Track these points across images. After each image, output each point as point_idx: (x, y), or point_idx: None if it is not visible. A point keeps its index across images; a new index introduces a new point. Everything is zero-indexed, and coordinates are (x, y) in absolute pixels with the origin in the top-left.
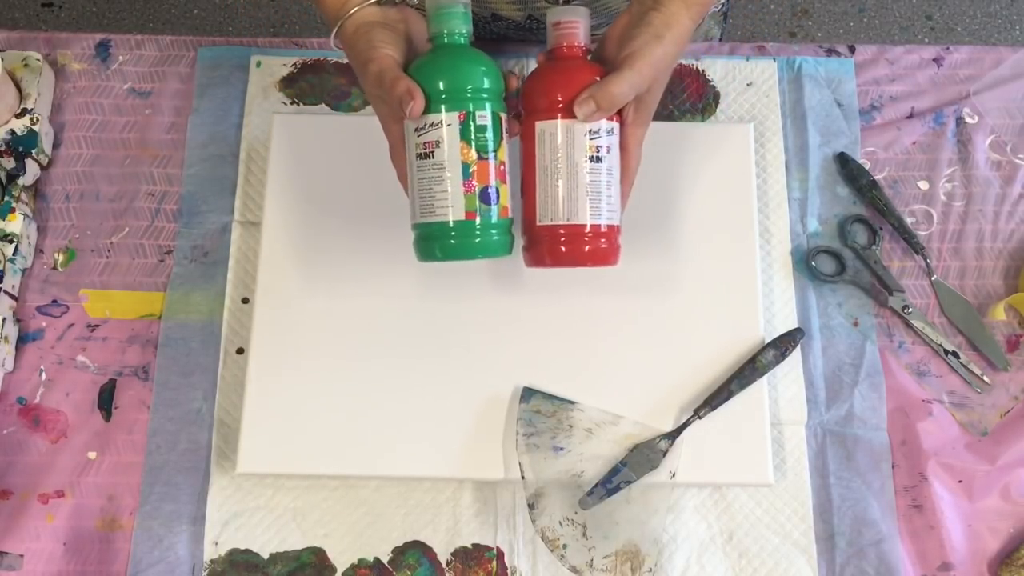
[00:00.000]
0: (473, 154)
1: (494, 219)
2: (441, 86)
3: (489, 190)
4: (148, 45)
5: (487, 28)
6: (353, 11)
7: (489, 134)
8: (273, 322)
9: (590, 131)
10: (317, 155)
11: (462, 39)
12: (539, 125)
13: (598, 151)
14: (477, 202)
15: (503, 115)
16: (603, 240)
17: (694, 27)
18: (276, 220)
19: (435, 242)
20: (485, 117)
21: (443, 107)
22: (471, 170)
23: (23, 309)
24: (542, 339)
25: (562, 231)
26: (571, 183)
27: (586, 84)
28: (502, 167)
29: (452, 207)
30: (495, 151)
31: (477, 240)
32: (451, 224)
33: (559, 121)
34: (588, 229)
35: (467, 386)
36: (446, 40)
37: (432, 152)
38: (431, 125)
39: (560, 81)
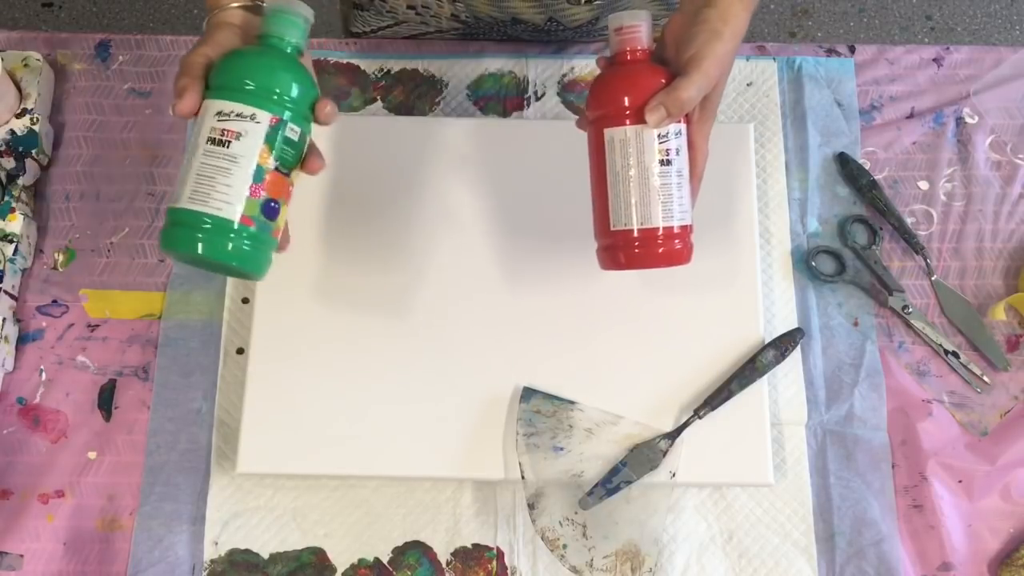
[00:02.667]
0: (272, 162)
1: (267, 235)
2: (265, 81)
3: (274, 205)
4: (148, 45)
5: (505, 31)
6: (225, 6)
7: (293, 151)
8: (273, 322)
9: (659, 135)
10: None
11: (289, 48)
12: (608, 132)
13: (668, 154)
14: (259, 211)
15: (308, 141)
16: (676, 241)
17: (749, 18)
18: None
19: (196, 234)
20: (296, 132)
21: (258, 103)
22: (264, 176)
23: (23, 309)
24: (542, 339)
25: (636, 235)
26: (643, 188)
27: (652, 88)
28: (290, 190)
29: (231, 204)
30: (291, 171)
31: (245, 249)
32: (225, 221)
33: (628, 127)
34: (661, 232)
35: (467, 386)
36: (273, 43)
37: (229, 142)
38: (238, 115)
39: (626, 87)
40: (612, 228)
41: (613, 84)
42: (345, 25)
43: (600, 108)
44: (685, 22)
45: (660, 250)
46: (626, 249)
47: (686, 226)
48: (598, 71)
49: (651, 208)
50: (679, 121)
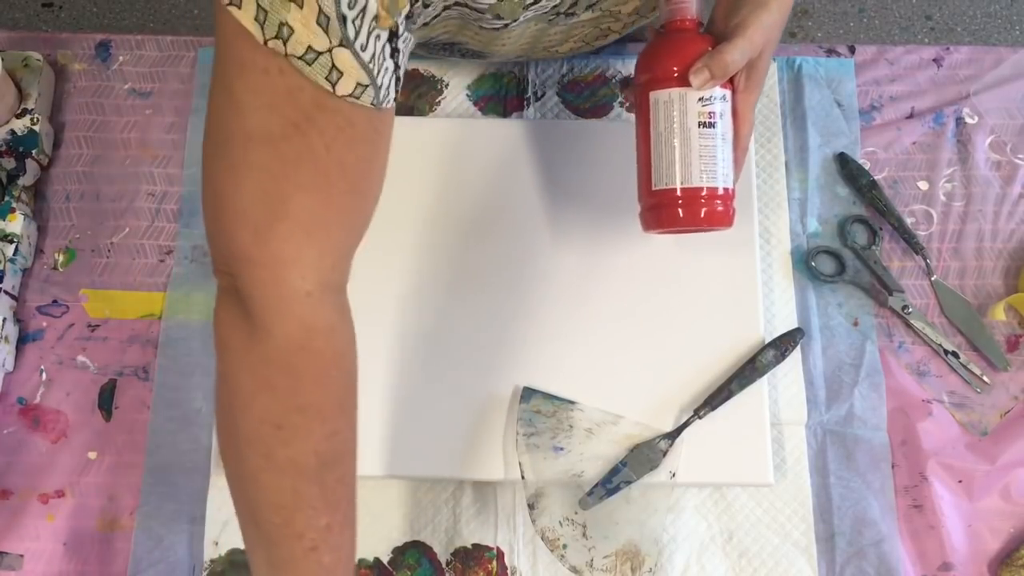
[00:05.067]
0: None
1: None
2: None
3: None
4: (148, 45)
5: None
6: None
7: None
8: None
9: (702, 98)
10: None
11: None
12: (653, 95)
13: (711, 117)
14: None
15: None
16: (718, 202)
17: None
18: None
19: (702, 207)
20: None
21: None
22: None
23: (23, 309)
24: (542, 339)
25: (679, 194)
26: (685, 148)
27: (697, 54)
28: None
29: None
30: None
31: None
32: (726, 190)
33: (673, 89)
34: (704, 192)
35: (467, 386)
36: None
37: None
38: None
39: (673, 52)
40: (654, 188)
41: (660, 50)
42: None
43: (647, 72)
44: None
45: (702, 211)
46: (668, 208)
47: (729, 189)
48: (599, 71)
49: (693, 167)
50: (724, 87)
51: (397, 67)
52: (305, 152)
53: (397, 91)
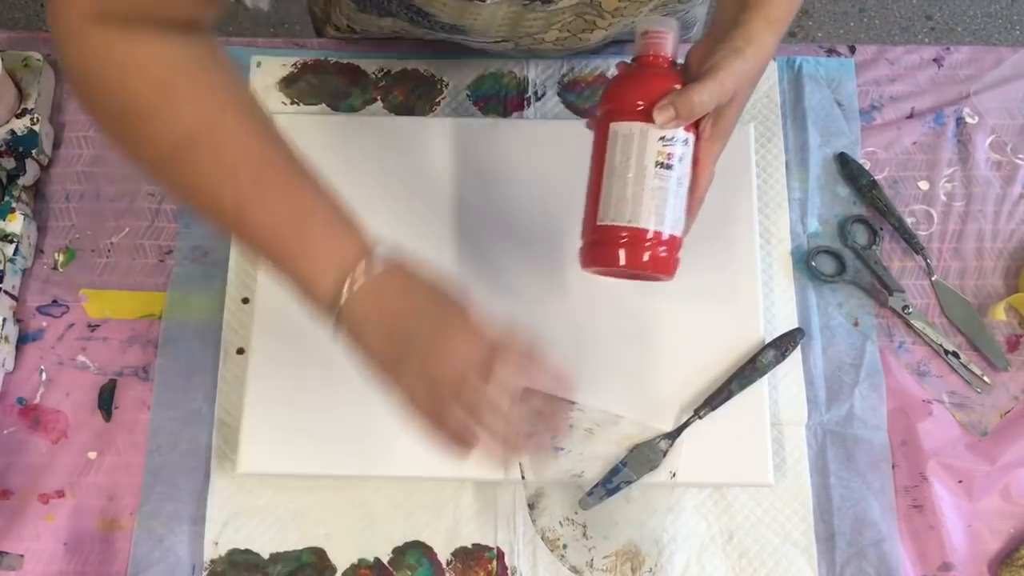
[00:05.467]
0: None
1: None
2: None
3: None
4: None
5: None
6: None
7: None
8: (273, 322)
9: (663, 137)
10: (317, 155)
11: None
12: (614, 126)
13: (670, 158)
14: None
15: None
16: (663, 248)
17: (776, 44)
18: None
19: (651, 251)
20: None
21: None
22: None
23: (23, 309)
24: (542, 339)
25: (623, 233)
26: (638, 186)
27: (665, 90)
28: None
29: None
30: None
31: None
32: (673, 238)
33: (635, 123)
34: (651, 235)
35: None
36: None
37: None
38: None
39: (641, 85)
40: (599, 222)
41: (628, 81)
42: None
43: (610, 102)
44: (711, 42)
45: (645, 255)
46: (610, 246)
47: (676, 237)
48: (599, 71)
49: (643, 207)
50: (688, 131)
51: None
52: None
53: None
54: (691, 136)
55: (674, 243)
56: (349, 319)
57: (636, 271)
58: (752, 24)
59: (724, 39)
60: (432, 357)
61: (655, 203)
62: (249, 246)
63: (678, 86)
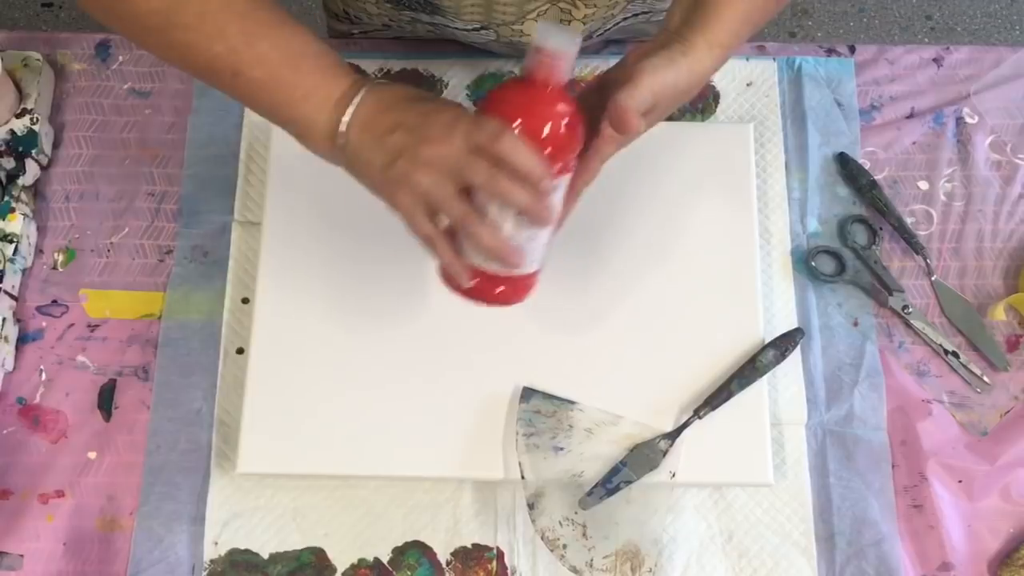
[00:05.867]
0: None
1: None
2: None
3: None
4: None
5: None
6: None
7: None
8: (273, 322)
9: None
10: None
11: None
12: None
13: None
14: None
15: None
16: (519, 283)
17: (714, 70)
18: (276, 220)
19: (505, 285)
20: None
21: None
22: None
23: (23, 309)
24: (542, 339)
25: (478, 272)
26: (499, 222)
27: (552, 118)
28: None
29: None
30: None
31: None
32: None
33: None
34: (502, 275)
35: (467, 386)
36: None
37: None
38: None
39: (524, 107)
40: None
41: (511, 100)
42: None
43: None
44: (651, 49)
45: (498, 289)
46: (457, 280)
47: (533, 273)
48: (599, 71)
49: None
50: (561, 174)
51: None
52: None
53: None
54: (567, 178)
55: (531, 277)
56: (348, 148)
57: (487, 303)
58: (693, 41)
59: (663, 47)
60: (422, 145)
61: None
62: (246, 98)
63: (569, 111)
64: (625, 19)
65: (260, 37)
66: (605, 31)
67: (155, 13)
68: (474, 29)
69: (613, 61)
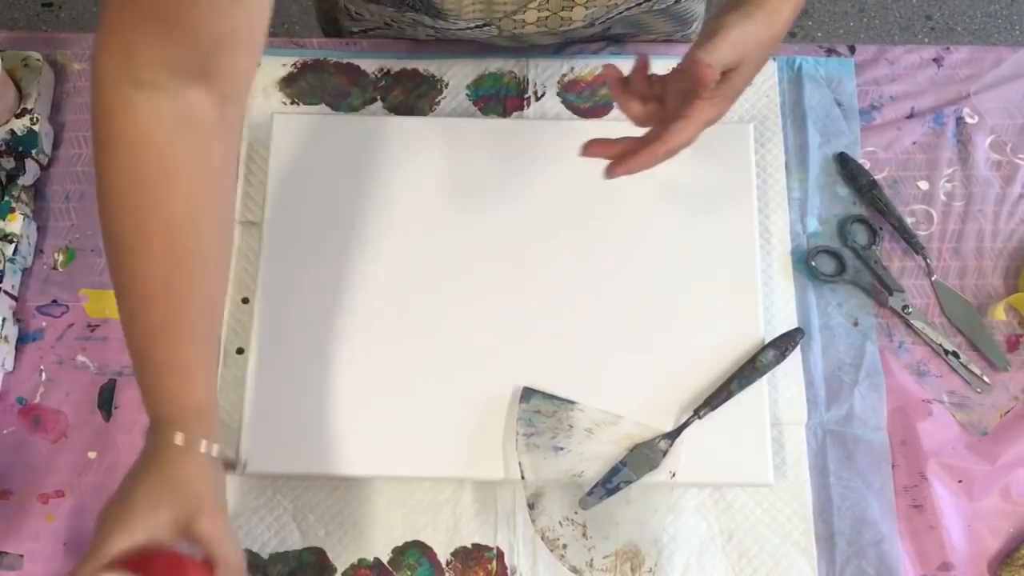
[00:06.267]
0: None
1: None
2: None
3: None
4: None
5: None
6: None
7: None
8: (273, 322)
9: None
10: (317, 155)
11: None
12: None
13: None
14: None
15: None
16: None
17: (790, 20)
18: (276, 220)
19: None
20: None
21: None
22: None
23: (23, 309)
24: (542, 339)
25: None
26: None
27: None
28: None
29: None
30: None
31: None
32: None
33: None
34: None
35: (467, 386)
36: None
37: None
38: None
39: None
40: None
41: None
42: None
43: None
44: (723, 9)
45: None
46: None
47: None
48: (599, 71)
49: None
50: None
51: None
52: None
53: None
54: None
55: None
56: (149, 442)
57: None
58: None
59: (735, 7)
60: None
61: None
62: (128, 337)
63: None
64: (628, 8)
65: (177, 314)
66: (608, 19)
67: (127, 225)
68: (476, 27)
69: (613, 61)
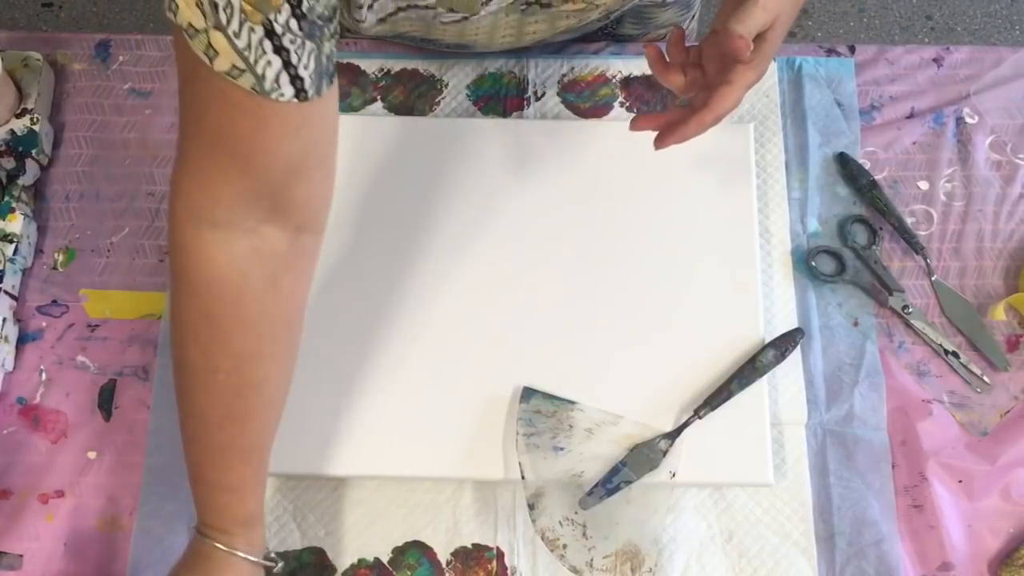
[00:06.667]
0: None
1: None
2: None
3: None
4: (148, 45)
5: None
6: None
7: None
8: None
9: None
10: None
11: None
12: None
13: None
14: None
15: None
16: None
17: None
18: None
19: None
20: None
21: None
22: None
23: (23, 309)
24: (542, 339)
25: None
26: None
27: None
28: None
29: None
30: None
31: None
32: None
33: None
34: None
35: (467, 386)
36: None
37: None
38: None
39: None
40: None
41: None
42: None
43: None
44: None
45: None
46: None
47: None
48: (599, 71)
49: None
50: None
51: (288, 64)
52: (190, 105)
53: (302, 87)
54: None
55: None
56: (195, 543)
57: None
58: None
59: None
60: None
61: None
62: (186, 454)
63: None
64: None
65: (235, 439)
66: (622, 9)
67: (200, 363)
68: (502, 50)
69: (613, 61)
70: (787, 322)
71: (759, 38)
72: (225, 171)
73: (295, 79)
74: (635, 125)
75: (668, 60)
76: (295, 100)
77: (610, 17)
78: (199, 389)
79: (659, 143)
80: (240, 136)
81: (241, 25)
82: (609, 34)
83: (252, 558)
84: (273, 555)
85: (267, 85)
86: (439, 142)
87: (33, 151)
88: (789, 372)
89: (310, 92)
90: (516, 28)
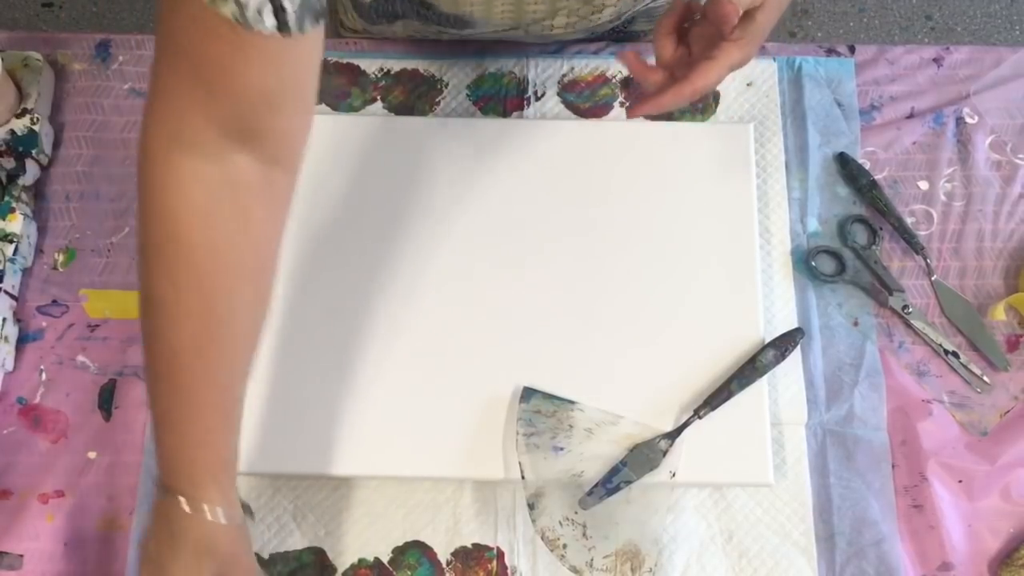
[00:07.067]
0: None
1: None
2: None
3: None
4: (148, 45)
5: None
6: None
7: None
8: (273, 322)
9: None
10: (317, 155)
11: None
12: None
13: None
14: None
15: None
16: None
17: None
18: None
19: None
20: None
21: None
22: None
23: (23, 309)
24: (542, 339)
25: None
26: None
27: None
28: None
29: None
30: None
31: None
32: None
33: None
34: None
35: (467, 386)
36: None
37: None
38: None
39: None
40: None
41: None
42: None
43: None
44: None
45: None
46: None
47: None
48: (599, 71)
49: None
50: None
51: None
52: (167, 33)
53: (285, 21)
54: None
55: None
56: (161, 507)
57: None
58: None
59: None
60: None
61: None
62: (151, 397)
63: None
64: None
65: (202, 380)
66: (633, 12)
67: (164, 285)
68: (504, 30)
69: (613, 61)
70: (787, 322)
71: (747, 16)
72: (199, 97)
73: (279, 11)
74: (633, 113)
75: (660, 27)
76: (276, 33)
77: (621, 19)
78: (166, 320)
79: (632, 112)
80: (216, 63)
81: None
82: (619, 31)
83: (216, 518)
84: (246, 503)
85: (249, 14)
86: (439, 142)
87: (33, 151)
88: (789, 372)
89: (292, 27)
90: (515, 6)
